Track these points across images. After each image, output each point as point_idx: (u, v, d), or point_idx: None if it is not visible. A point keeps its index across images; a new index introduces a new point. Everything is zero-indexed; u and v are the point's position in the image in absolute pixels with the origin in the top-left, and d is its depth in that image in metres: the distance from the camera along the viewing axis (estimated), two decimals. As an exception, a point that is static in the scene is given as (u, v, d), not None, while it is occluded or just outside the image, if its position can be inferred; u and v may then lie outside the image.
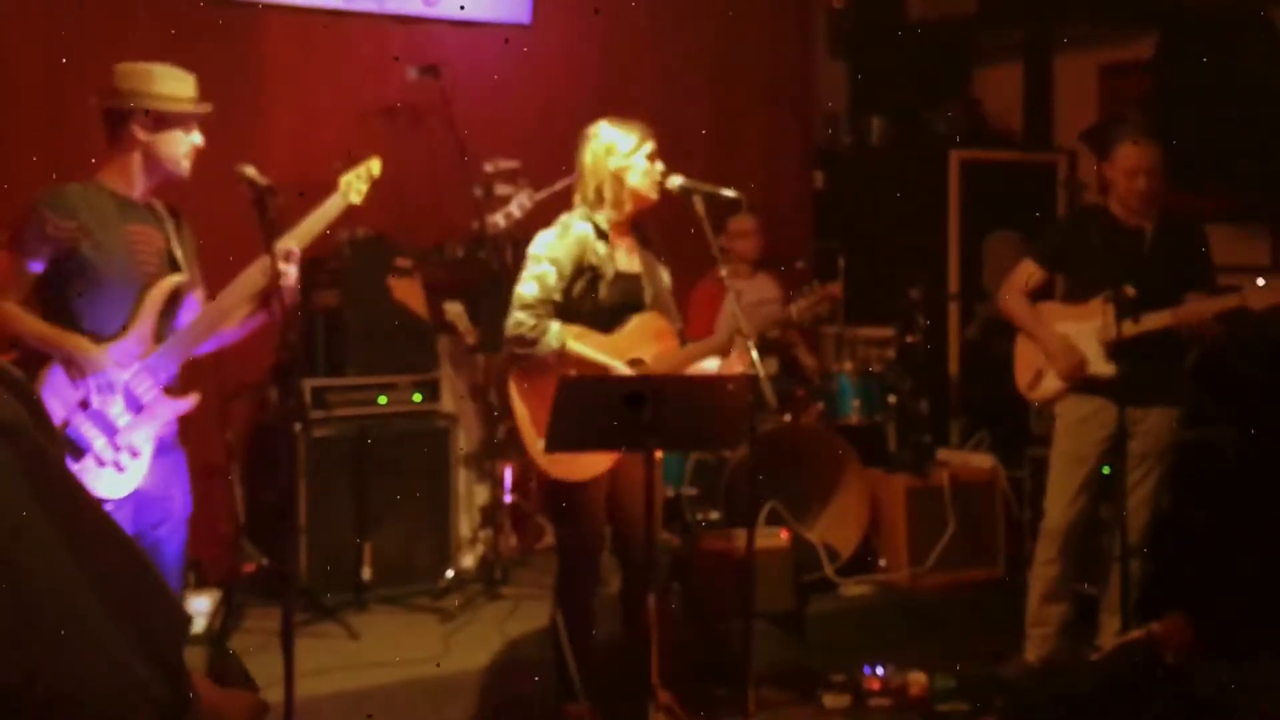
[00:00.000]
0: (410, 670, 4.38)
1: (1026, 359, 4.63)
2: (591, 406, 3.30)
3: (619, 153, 3.76)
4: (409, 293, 5.45)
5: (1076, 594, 4.62)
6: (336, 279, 5.23)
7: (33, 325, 3.25)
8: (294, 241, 3.40)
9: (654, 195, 3.79)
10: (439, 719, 4.18)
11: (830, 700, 4.36)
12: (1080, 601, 4.63)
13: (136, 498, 3.28)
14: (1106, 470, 4.45)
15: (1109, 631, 4.44)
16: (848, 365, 6.02)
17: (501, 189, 5.39)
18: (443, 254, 5.55)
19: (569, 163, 3.90)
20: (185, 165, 3.42)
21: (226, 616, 4.50)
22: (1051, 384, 4.54)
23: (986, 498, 5.71)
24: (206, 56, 4.75)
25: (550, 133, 5.80)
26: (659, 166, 3.80)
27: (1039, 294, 4.63)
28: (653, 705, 3.48)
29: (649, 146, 3.78)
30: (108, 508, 3.00)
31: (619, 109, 3.89)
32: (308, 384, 5.10)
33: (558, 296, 3.72)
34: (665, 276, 3.99)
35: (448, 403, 5.54)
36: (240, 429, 5.31)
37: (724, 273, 3.85)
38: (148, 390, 3.31)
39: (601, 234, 3.77)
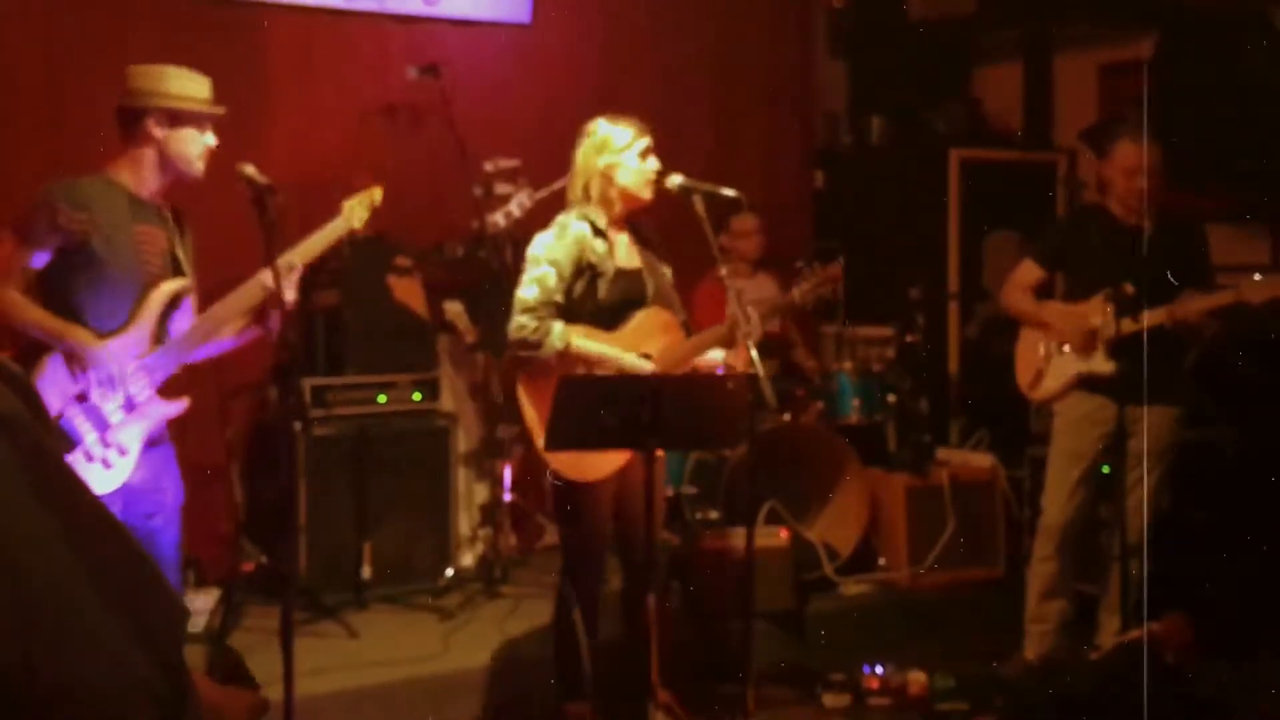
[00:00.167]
0: (410, 669, 4.38)
1: (1027, 358, 4.64)
2: (591, 405, 3.30)
3: (610, 150, 3.75)
4: (409, 292, 5.46)
5: (1076, 593, 4.62)
6: (336, 278, 5.23)
7: (36, 315, 3.24)
8: (295, 258, 3.42)
9: (645, 194, 3.77)
10: (439, 718, 4.17)
11: (830, 699, 4.35)
12: (1080, 601, 4.63)
13: (126, 491, 3.27)
14: (1106, 469, 4.45)
15: (1108, 631, 4.44)
16: (847, 365, 6.02)
17: (501, 188, 5.39)
18: (442, 253, 5.55)
19: (569, 162, 3.90)
20: (199, 165, 3.43)
21: (226, 615, 4.50)
22: (1052, 383, 4.54)
23: (986, 497, 5.71)
24: (206, 56, 4.74)
25: (550, 132, 5.79)
26: (652, 165, 3.78)
27: (1039, 294, 4.64)
28: (652, 704, 3.49)
29: (642, 144, 3.76)
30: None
31: (619, 109, 3.88)
32: (307, 383, 5.10)
33: (559, 298, 3.71)
34: (667, 271, 3.99)
35: (447, 402, 5.54)
36: (240, 428, 5.32)
37: (724, 272, 3.85)
38: (142, 390, 3.31)
39: (599, 232, 3.76)
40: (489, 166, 5.43)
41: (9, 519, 1.19)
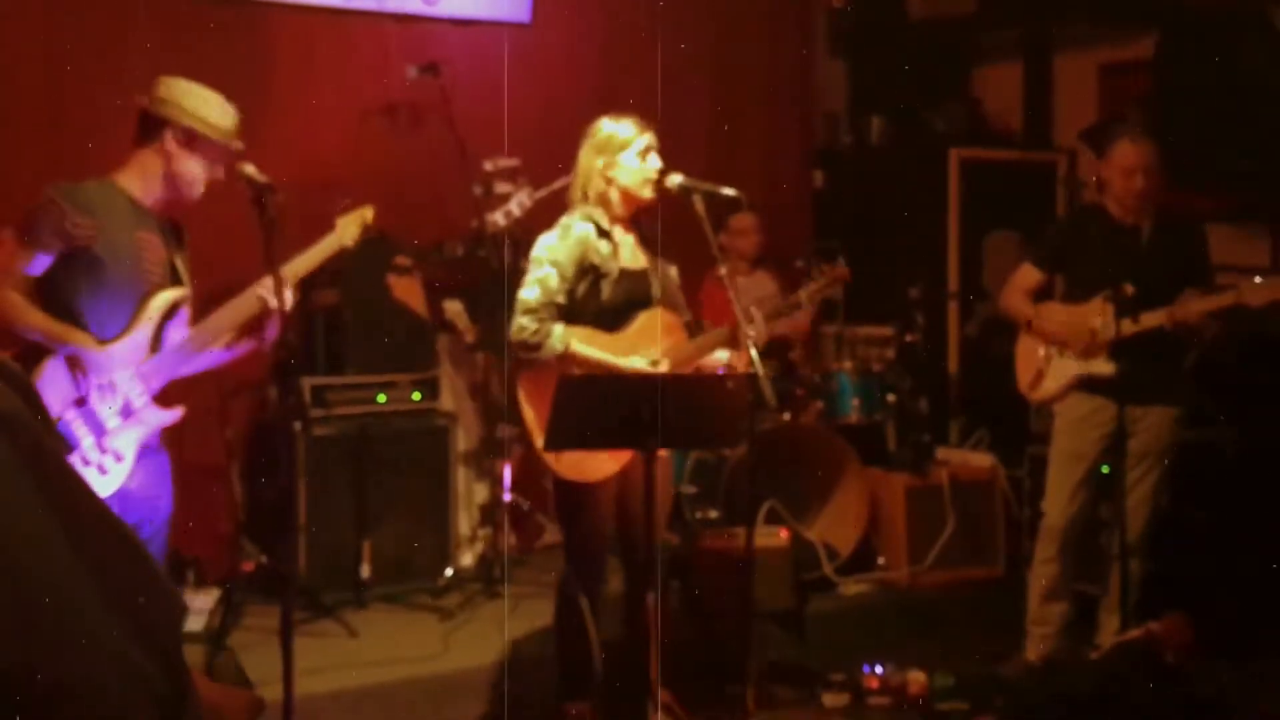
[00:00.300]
0: (409, 669, 4.38)
1: (1027, 359, 4.63)
2: (591, 405, 3.30)
3: (609, 150, 3.75)
4: (409, 291, 5.46)
5: (1076, 593, 4.61)
6: (336, 277, 5.23)
7: (37, 318, 3.23)
8: (288, 273, 3.42)
9: (644, 193, 3.76)
10: (438, 718, 4.17)
11: (829, 699, 4.35)
12: (1080, 601, 4.63)
13: (123, 495, 3.27)
14: (1106, 469, 4.44)
15: (1108, 631, 4.44)
16: (847, 364, 6.02)
17: (501, 187, 5.39)
18: (442, 252, 5.55)
19: (569, 161, 3.90)
20: (199, 189, 3.44)
21: (226, 615, 4.50)
22: (1053, 383, 4.53)
23: (986, 496, 5.71)
24: (206, 55, 4.77)
25: (550, 132, 5.79)
26: (653, 164, 3.77)
27: (1039, 295, 4.63)
28: (652, 704, 3.48)
29: (642, 143, 3.76)
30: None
31: (619, 108, 3.88)
32: (307, 382, 5.11)
33: (561, 299, 3.70)
34: (673, 272, 3.99)
35: (447, 401, 5.54)
36: (240, 427, 5.31)
37: (722, 271, 3.84)
38: (139, 396, 3.31)
39: (603, 232, 3.76)
40: (489, 166, 5.43)
41: (9, 518, 1.18)
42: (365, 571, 5.08)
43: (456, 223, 5.54)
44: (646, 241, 3.92)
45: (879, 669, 4.41)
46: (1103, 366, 4.37)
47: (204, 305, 3.49)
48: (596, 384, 3.49)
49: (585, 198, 3.79)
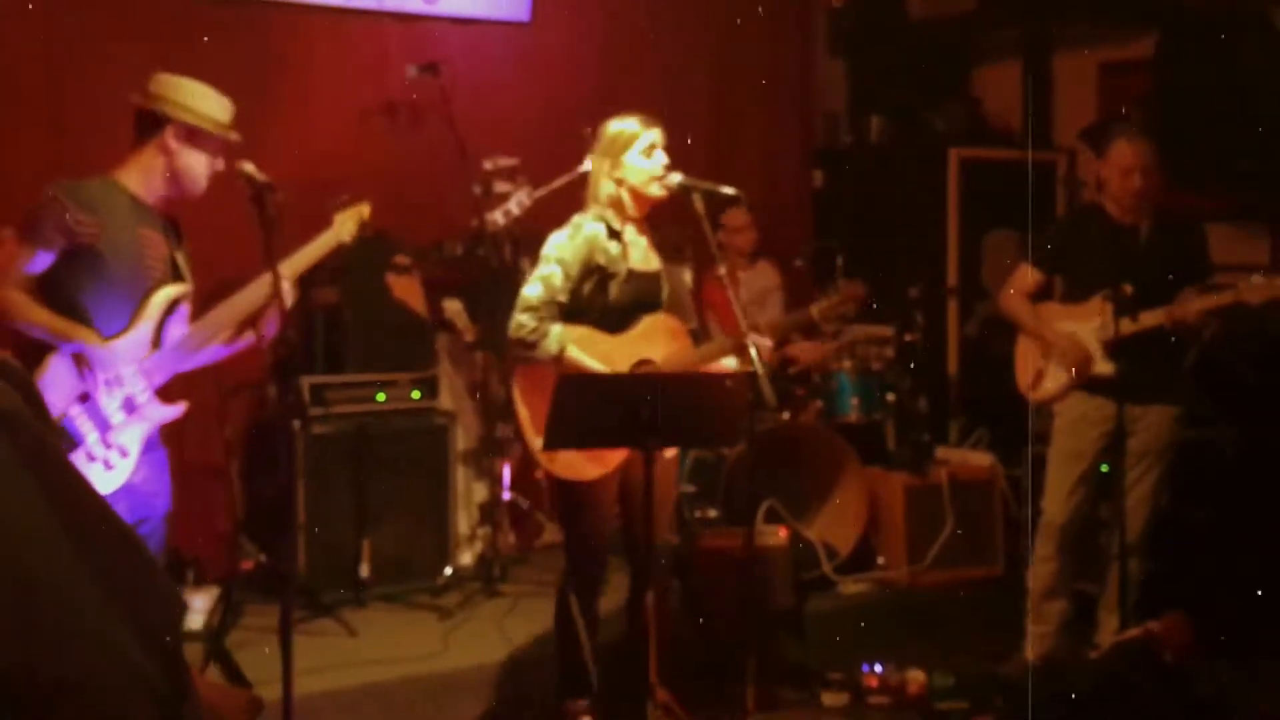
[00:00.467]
0: (409, 668, 4.38)
1: (1027, 359, 4.63)
2: (590, 404, 3.30)
3: (614, 151, 3.75)
4: (408, 290, 5.46)
5: (1076, 593, 4.61)
6: (336, 276, 5.24)
7: (41, 315, 3.23)
8: (286, 270, 3.42)
9: (651, 191, 3.74)
10: (438, 717, 4.17)
11: (829, 698, 4.35)
12: (1079, 600, 4.63)
13: (128, 491, 3.27)
14: (1105, 469, 4.44)
15: (1108, 630, 4.43)
16: (847, 364, 6.02)
17: (500, 186, 5.39)
18: (442, 251, 5.55)
19: (568, 160, 3.90)
20: (203, 184, 3.45)
21: (225, 614, 4.50)
22: (1053, 383, 4.53)
23: (985, 496, 5.71)
24: (206, 55, 4.78)
25: (549, 131, 5.81)
26: (659, 161, 3.76)
27: (1039, 295, 4.63)
28: (652, 704, 3.48)
29: (646, 141, 3.75)
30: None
31: (619, 108, 3.87)
32: (306, 381, 5.10)
33: (563, 298, 3.69)
34: (686, 276, 3.97)
35: (446, 400, 5.54)
36: (239, 426, 5.32)
37: (721, 271, 3.84)
38: (142, 392, 3.31)
39: (614, 233, 3.75)
40: (488, 165, 5.44)
41: (10, 516, 1.18)
42: (364, 570, 5.09)
43: (456, 222, 5.54)
44: (660, 245, 3.91)
45: (878, 668, 4.40)
46: (1102, 366, 4.37)
47: (203, 303, 3.50)
48: (596, 383, 3.48)
49: (596, 199, 3.80)
